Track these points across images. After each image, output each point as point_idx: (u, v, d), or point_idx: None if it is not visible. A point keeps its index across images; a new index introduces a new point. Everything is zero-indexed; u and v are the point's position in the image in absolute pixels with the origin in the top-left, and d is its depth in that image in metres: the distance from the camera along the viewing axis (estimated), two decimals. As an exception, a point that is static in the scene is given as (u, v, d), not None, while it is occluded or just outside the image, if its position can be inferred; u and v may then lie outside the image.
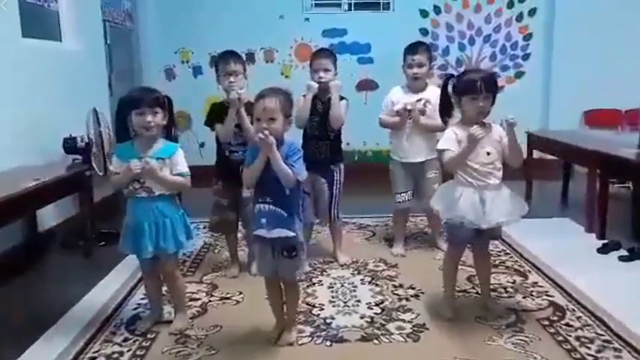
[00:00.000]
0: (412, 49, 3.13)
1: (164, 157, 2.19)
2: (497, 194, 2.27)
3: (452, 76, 2.37)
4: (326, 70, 2.98)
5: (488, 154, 2.26)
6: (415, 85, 3.13)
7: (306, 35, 5.68)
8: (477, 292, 2.63)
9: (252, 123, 2.72)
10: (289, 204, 2.07)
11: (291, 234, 2.07)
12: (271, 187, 2.04)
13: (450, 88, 2.33)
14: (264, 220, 2.05)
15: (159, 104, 2.18)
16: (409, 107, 3.08)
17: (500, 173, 2.30)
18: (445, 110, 2.38)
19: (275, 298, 2.25)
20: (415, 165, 3.18)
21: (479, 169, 2.26)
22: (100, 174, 3.42)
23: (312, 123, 3.00)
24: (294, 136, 2.28)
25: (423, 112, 3.08)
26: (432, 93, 3.08)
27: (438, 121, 3.00)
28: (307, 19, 5.71)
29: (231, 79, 2.77)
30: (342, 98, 3.01)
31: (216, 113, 2.82)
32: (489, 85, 2.23)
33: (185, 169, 2.23)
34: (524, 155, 4.76)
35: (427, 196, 3.15)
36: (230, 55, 2.84)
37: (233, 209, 2.92)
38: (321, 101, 2.99)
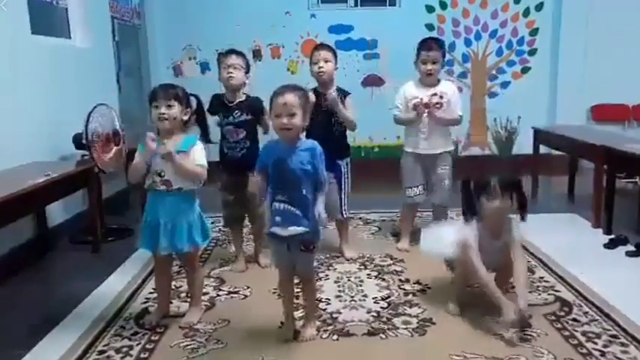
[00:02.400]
0: (427, 45, 3.13)
1: (185, 151, 2.20)
2: None
3: (469, 180, 2.34)
4: (326, 61, 2.97)
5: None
6: (428, 80, 3.14)
7: (313, 31, 5.68)
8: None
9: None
10: (304, 203, 2.06)
11: (302, 229, 2.07)
12: (288, 187, 2.05)
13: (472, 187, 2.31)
14: (278, 219, 2.06)
15: (176, 98, 2.20)
16: (425, 100, 3.07)
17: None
18: (468, 209, 2.33)
19: (288, 294, 2.26)
20: (429, 157, 3.18)
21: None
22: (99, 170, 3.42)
23: (316, 122, 2.97)
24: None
25: (440, 106, 3.08)
26: (446, 86, 3.14)
27: (454, 114, 3.03)
28: (313, 16, 5.70)
29: (230, 70, 2.80)
30: (345, 94, 3.02)
31: (215, 104, 2.87)
32: (506, 186, 2.19)
33: (202, 162, 2.24)
34: (531, 151, 4.79)
35: (437, 191, 3.19)
36: (231, 51, 2.88)
37: (239, 204, 2.94)
38: (324, 98, 2.98)
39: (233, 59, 2.82)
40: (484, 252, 2.24)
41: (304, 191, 2.06)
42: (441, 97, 3.10)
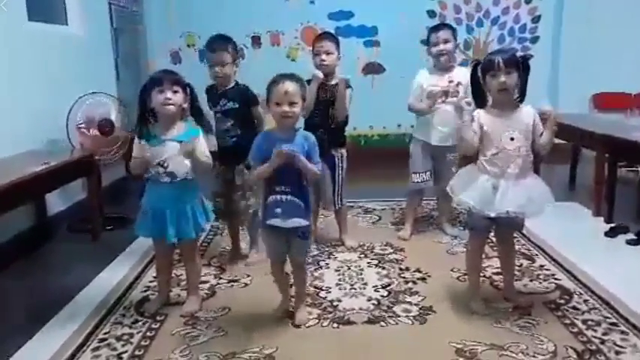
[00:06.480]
0: (435, 28, 3.15)
1: (185, 141, 2.17)
2: (515, 184, 2.16)
3: (480, 62, 2.27)
4: (328, 53, 2.93)
5: (512, 139, 2.16)
6: (441, 63, 3.09)
7: (312, 18, 5.63)
8: (483, 275, 2.63)
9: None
10: (305, 193, 2.09)
11: (305, 223, 2.10)
12: (290, 177, 2.05)
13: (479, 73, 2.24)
14: (279, 210, 2.06)
15: (180, 85, 2.19)
16: (443, 89, 3.03)
17: (522, 161, 2.18)
18: (477, 96, 2.28)
19: (282, 280, 2.30)
20: (439, 148, 3.17)
21: (498, 155, 2.17)
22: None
23: (315, 111, 2.94)
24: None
25: (456, 94, 3.04)
26: (460, 73, 3.08)
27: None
28: (312, 2, 5.65)
29: (217, 69, 2.70)
30: (348, 86, 2.97)
31: (210, 95, 2.82)
32: (509, 61, 2.15)
33: (207, 153, 2.25)
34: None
35: (445, 178, 3.16)
36: (216, 44, 2.72)
37: (229, 194, 2.88)
38: (324, 89, 2.95)
39: (219, 57, 2.70)
40: (497, 139, 2.18)
41: (304, 181, 2.08)
42: (458, 84, 3.03)
